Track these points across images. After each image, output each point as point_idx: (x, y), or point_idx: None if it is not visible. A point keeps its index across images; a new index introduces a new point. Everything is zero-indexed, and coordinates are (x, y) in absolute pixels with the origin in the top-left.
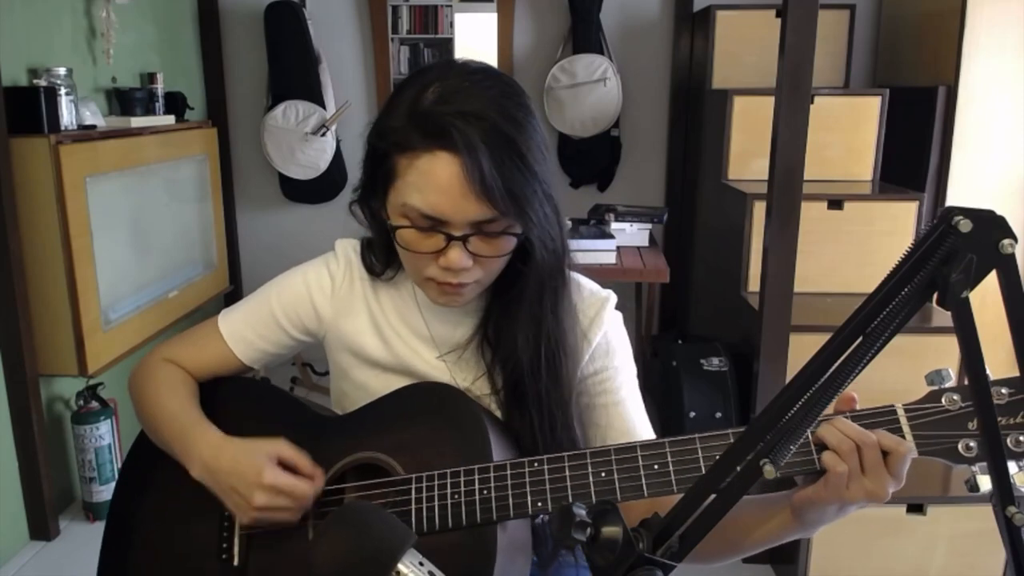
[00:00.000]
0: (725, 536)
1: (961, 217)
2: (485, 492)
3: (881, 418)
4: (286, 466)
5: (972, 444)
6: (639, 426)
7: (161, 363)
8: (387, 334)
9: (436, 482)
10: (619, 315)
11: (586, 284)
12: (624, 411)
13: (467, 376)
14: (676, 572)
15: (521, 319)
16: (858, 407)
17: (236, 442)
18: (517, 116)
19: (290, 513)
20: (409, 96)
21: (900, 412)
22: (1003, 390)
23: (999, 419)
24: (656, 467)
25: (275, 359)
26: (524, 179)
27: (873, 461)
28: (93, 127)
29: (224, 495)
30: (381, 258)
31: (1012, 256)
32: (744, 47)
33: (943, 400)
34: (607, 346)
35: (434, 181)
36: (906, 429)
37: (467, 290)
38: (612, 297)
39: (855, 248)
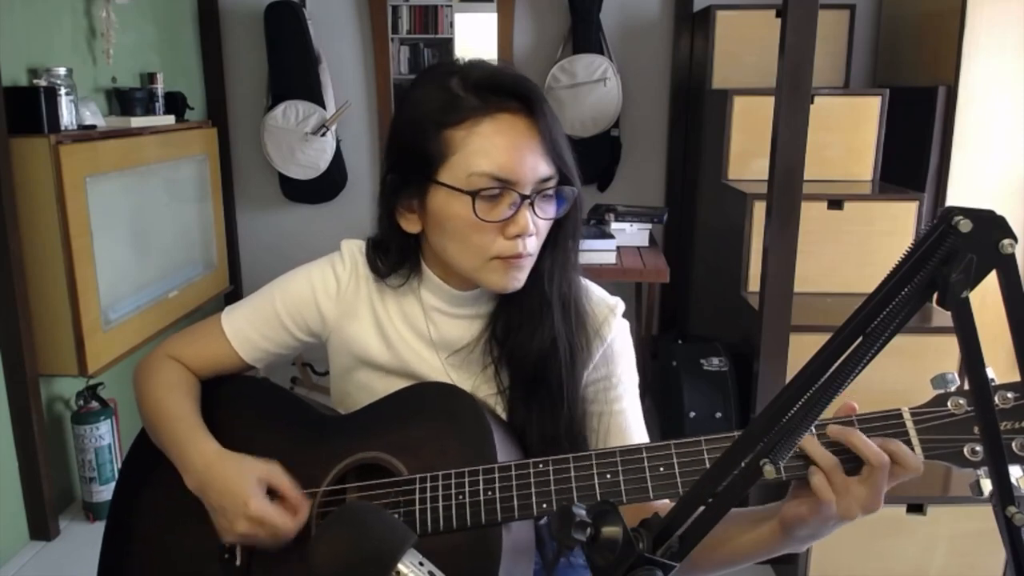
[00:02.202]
0: (716, 549)
1: (961, 217)
2: (489, 493)
3: (887, 422)
4: (276, 491)
5: (978, 448)
6: (636, 437)
7: (164, 360)
8: (391, 337)
9: (440, 483)
10: (626, 324)
11: (595, 290)
12: (622, 420)
13: (473, 376)
14: None
15: (538, 305)
16: (860, 410)
17: (229, 460)
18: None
19: (271, 543)
20: (436, 85)
21: (907, 416)
22: (1008, 394)
23: (1004, 423)
24: (662, 469)
25: (278, 358)
26: (566, 142)
27: (880, 481)
28: (93, 127)
29: (211, 512)
30: (390, 262)
31: (1012, 256)
32: (744, 47)
33: (949, 404)
34: (612, 354)
35: (501, 142)
36: (912, 433)
37: (526, 265)
38: (620, 305)
39: (855, 248)
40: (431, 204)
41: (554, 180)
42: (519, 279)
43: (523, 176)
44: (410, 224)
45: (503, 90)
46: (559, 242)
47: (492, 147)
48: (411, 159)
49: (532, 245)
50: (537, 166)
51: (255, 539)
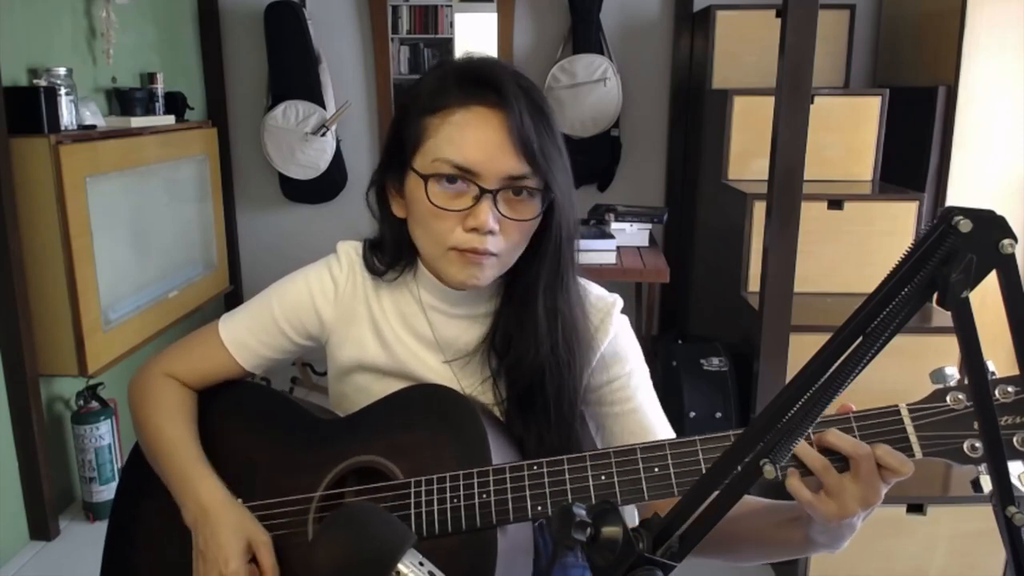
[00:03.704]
0: (753, 541)
1: (961, 217)
2: (484, 496)
3: (885, 419)
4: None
5: (977, 444)
6: (658, 431)
7: (160, 379)
8: (388, 338)
9: (435, 486)
10: (626, 319)
11: (592, 289)
12: (641, 417)
13: (472, 384)
14: (691, 568)
15: (530, 319)
16: (858, 409)
17: (227, 512)
18: (541, 96)
19: None
20: (435, 75)
21: (904, 412)
22: (1009, 388)
23: (1005, 417)
24: (656, 470)
25: (277, 364)
26: (551, 145)
27: (870, 472)
28: (93, 127)
29: (194, 550)
30: (387, 255)
31: (1012, 256)
32: (744, 47)
33: (948, 399)
34: (616, 353)
35: (470, 133)
36: (910, 430)
37: (488, 264)
38: (619, 301)
39: (855, 248)
40: (406, 189)
41: (529, 181)
42: (478, 276)
43: (485, 169)
44: (398, 209)
45: (481, 83)
46: (547, 251)
47: (460, 137)
48: (394, 143)
49: (494, 244)
50: (504, 161)
51: None
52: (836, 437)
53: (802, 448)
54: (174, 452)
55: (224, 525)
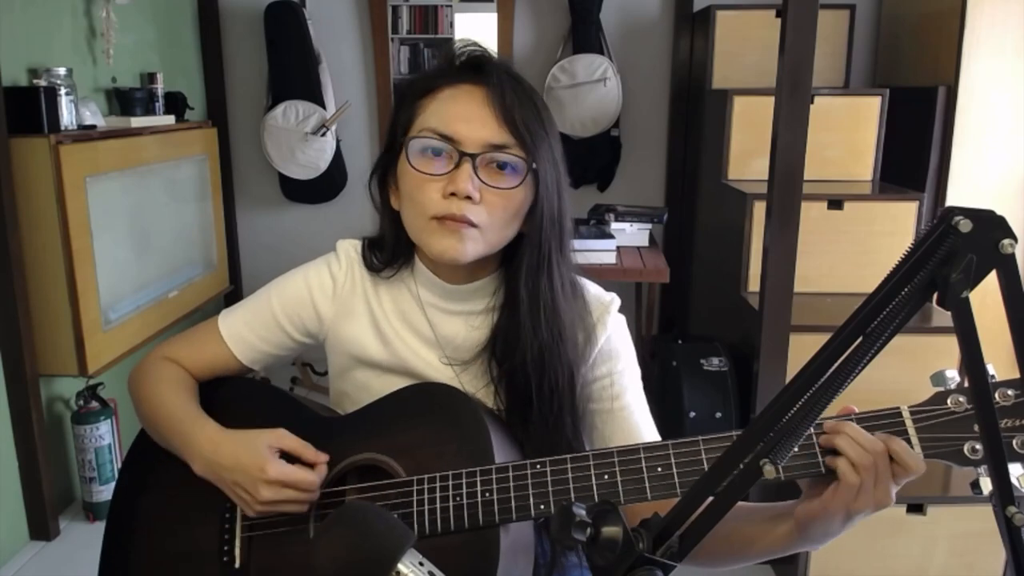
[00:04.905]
0: (731, 544)
1: (961, 217)
2: (487, 495)
3: (886, 420)
4: (289, 455)
5: (978, 447)
6: (644, 431)
7: (161, 361)
8: (388, 335)
9: (438, 484)
10: (623, 319)
11: (590, 288)
12: (628, 416)
13: (475, 388)
14: (682, 572)
15: (518, 308)
16: (859, 410)
17: (235, 435)
18: (532, 87)
19: (298, 504)
20: (432, 66)
21: (906, 414)
22: (1009, 391)
23: (1006, 420)
24: (659, 469)
25: (276, 360)
26: (537, 125)
27: (884, 472)
28: (93, 127)
29: (228, 490)
30: (385, 251)
31: (1012, 256)
32: (744, 47)
33: (948, 402)
34: (611, 351)
35: (454, 105)
36: (912, 432)
37: (469, 235)
38: (616, 301)
39: (855, 248)
40: (399, 172)
41: (511, 151)
42: (457, 248)
43: (465, 135)
44: (396, 201)
45: (469, 64)
46: (530, 232)
47: (444, 109)
48: (391, 130)
49: (475, 213)
50: (484, 129)
51: (281, 504)
52: (854, 431)
53: (848, 444)
54: (174, 415)
55: (238, 446)
